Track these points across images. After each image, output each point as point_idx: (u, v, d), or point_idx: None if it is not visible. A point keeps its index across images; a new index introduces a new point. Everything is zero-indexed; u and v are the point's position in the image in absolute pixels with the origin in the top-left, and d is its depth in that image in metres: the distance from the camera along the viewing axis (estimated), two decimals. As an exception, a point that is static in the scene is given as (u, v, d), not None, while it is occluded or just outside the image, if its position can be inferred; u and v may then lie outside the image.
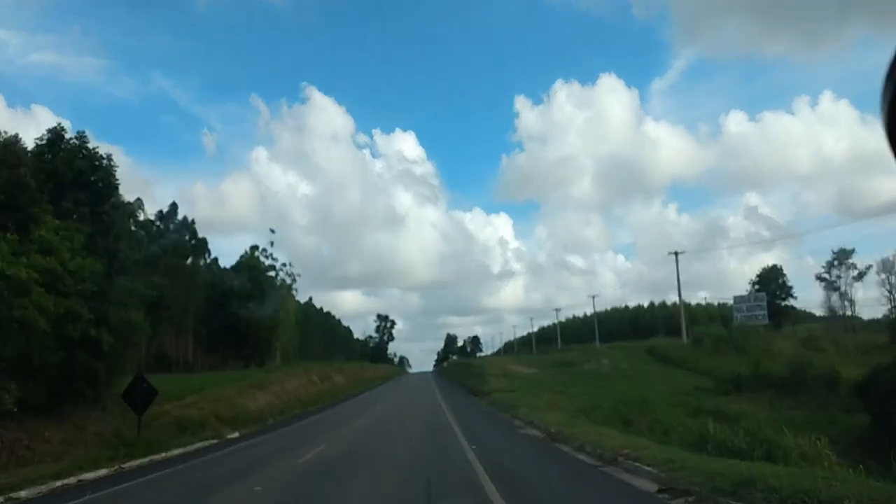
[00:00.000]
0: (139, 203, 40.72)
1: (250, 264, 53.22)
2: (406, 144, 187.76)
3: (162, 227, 53.65)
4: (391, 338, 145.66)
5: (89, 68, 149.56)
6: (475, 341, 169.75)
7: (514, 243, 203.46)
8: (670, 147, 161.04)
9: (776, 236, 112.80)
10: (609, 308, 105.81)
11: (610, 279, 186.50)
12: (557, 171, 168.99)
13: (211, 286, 50.09)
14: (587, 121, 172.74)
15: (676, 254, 58.54)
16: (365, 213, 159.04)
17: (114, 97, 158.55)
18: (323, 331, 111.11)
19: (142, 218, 50.84)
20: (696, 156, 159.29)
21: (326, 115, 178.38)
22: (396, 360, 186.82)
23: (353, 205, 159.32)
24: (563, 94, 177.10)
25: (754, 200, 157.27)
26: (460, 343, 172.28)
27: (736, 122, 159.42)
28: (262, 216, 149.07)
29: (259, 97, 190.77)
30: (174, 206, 55.18)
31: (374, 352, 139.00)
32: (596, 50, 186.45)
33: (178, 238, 51.42)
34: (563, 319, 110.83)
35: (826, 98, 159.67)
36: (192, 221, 57.34)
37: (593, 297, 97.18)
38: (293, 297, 76.64)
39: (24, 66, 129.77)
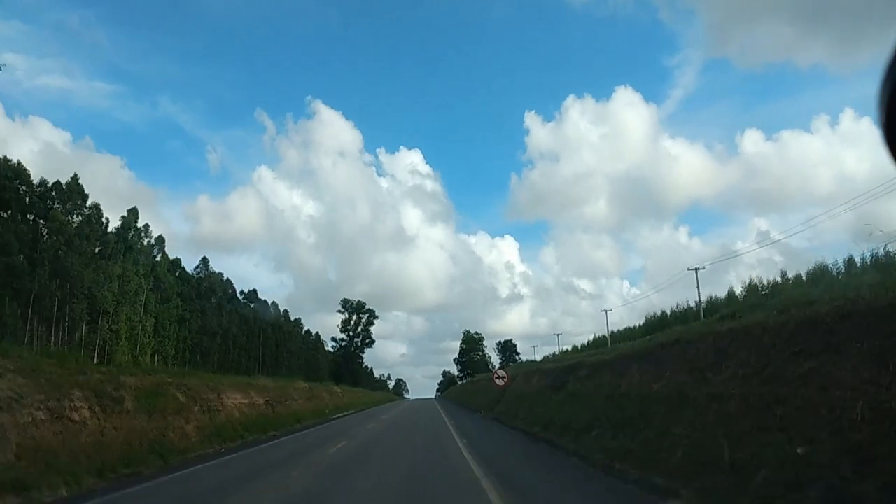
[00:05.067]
0: None
1: None
2: (411, 162, 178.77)
3: None
4: (369, 340, 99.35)
5: (98, 92, 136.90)
6: (507, 347, 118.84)
7: (520, 267, 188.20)
8: (687, 165, 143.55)
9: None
10: (622, 329, 67.99)
11: (616, 303, 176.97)
12: (568, 191, 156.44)
13: None
14: (602, 137, 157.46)
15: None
16: (368, 233, 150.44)
17: (121, 121, 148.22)
18: (252, 327, 71.46)
19: None
20: (715, 174, 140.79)
21: (333, 129, 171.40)
22: (391, 382, 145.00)
23: (356, 224, 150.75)
24: (576, 110, 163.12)
25: (765, 225, 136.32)
26: (486, 348, 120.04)
27: (753, 140, 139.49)
28: (266, 232, 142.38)
29: (264, 112, 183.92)
30: None
31: (343, 361, 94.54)
32: (612, 62, 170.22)
33: None
34: (567, 347, 79.07)
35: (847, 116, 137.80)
36: None
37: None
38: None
39: (32, 88, 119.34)
